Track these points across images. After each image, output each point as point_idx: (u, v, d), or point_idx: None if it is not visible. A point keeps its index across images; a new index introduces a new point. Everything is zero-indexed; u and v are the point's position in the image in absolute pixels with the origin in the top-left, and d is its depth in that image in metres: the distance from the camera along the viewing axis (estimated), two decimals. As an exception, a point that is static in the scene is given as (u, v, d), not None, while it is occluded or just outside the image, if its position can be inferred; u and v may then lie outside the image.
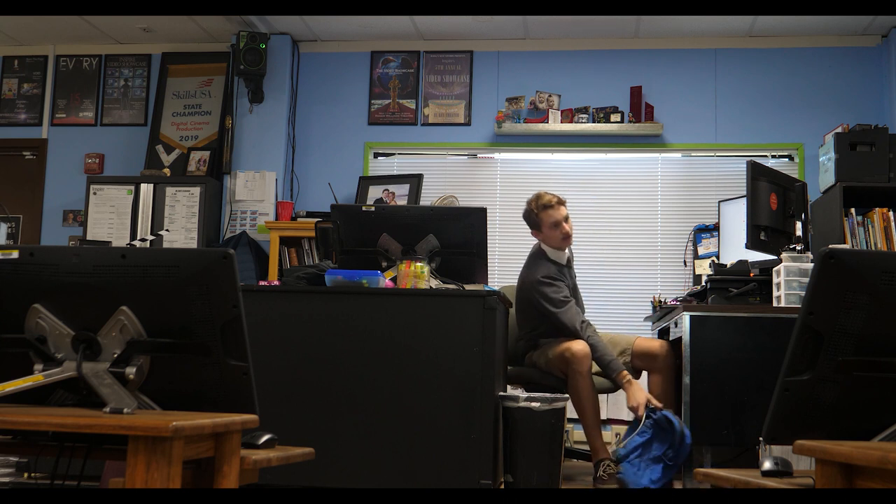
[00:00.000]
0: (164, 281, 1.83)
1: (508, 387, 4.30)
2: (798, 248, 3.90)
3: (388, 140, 6.42)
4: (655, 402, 3.84)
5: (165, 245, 6.00)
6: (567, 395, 3.72)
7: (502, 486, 3.56)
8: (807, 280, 3.60)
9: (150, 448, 1.61)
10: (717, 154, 6.16)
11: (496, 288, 3.88)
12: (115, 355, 1.84)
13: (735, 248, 4.83)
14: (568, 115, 6.14)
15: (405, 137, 6.40)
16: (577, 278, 4.48)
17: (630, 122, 6.08)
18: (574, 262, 4.46)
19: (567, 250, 4.31)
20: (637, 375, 4.23)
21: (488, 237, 3.83)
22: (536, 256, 4.28)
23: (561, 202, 4.19)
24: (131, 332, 1.84)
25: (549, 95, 6.21)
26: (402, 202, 6.03)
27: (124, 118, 6.69)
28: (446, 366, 3.36)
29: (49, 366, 1.85)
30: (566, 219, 4.19)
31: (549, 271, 4.19)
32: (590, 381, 4.05)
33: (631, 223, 6.10)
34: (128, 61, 6.77)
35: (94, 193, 6.15)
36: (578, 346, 4.01)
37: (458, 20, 6.07)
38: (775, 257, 4.01)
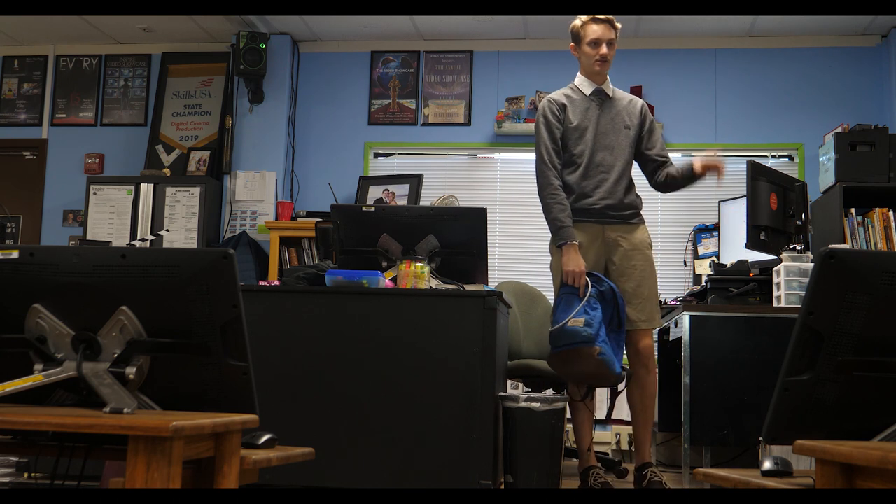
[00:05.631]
0: (164, 281, 1.83)
1: (508, 384, 4.30)
2: (798, 248, 3.91)
3: (388, 140, 6.42)
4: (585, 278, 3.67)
5: (165, 245, 6.00)
6: (567, 396, 3.71)
7: (502, 486, 3.56)
8: (807, 280, 3.61)
9: (150, 448, 1.61)
10: (717, 154, 6.13)
11: (496, 288, 3.88)
12: (115, 355, 1.84)
13: (735, 248, 4.83)
14: (568, 115, 6.15)
15: (405, 137, 6.40)
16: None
17: (630, 122, 6.08)
18: (639, 111, 3.96)
19: (609, 90, 3.93)
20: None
21: (488, 237, 3.82)
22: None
23: (612, 25, 3.86)
24: (131, 332, 1.84)
25: (549, 95, 6.21)
26: (402, 202, 6.04)
27: (124, 118, 6.69)
28: (446, 366, 3.36)
29: (49, 366, 1.85)
30: (610, 44, 3.84)
31: (560, 96, 3.91)
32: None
33: (631, 223, 6.10)
34: (128, 61, 6.77)
35: (94, 193, 6.15)
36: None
37: (458, 20, 6.07)
38: (775, 257, 4.01)
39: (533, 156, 6.21)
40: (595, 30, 3.83)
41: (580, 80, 3.95)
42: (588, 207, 3.81)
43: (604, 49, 3.83)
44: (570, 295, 3.67)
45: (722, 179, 3.92)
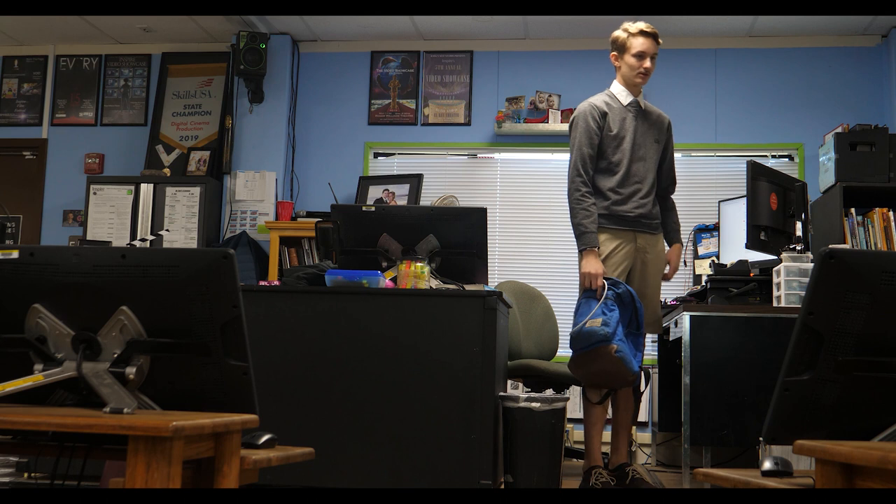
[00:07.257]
0: (164, 281, 1.83)
1: (508, 384, 4.30)
2: (798, 248, 3.91)
3: (388, 140, 6.42)
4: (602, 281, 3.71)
5: (165, 245, 6.00)
6: (567, 397, 3.71)
7: (502, 486, 3.56)
8: (807, 280, 3.60)
9: (150, 448, 1.61)
10: (717, 154, 6.16)
11: (496, 288, 3.88)
12: (115, 355, 1.84)
13: (735, 248, 4.83)
14: (568, 115, 6.13)
15: (405, 137, 6.40)
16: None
17: (630, 122, 6.08)
18: (666, 127, 4.05)
19: (643, 102, 4.00)
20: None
21: (488, 237, 3.82)
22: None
23: (657, 40, 3.95)
24: (131, 332, 1.84)
25: (549, 95, 6.21)
26: (402, 202, 6.04)
27: (124, 118, 6.69)
28: (446, 366, 3.36)
29: (49, 366, 1.85)
30: (653, 58, 3.93)
31: (601, 103, 3.93)
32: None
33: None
34: (128, 61, 6.77)
35: (94, 193, 6.15)
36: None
37: (458, 20, 6.07)
38: (775, 257, 4.01)
39: (533, 156, 6.31)
40: (642, 42, 3.92)
41: (618, 89, 4.00)
42: (624, 215, 3.89)
43: (648, 63, 3.92)
44: (589, 298, 3.74)
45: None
